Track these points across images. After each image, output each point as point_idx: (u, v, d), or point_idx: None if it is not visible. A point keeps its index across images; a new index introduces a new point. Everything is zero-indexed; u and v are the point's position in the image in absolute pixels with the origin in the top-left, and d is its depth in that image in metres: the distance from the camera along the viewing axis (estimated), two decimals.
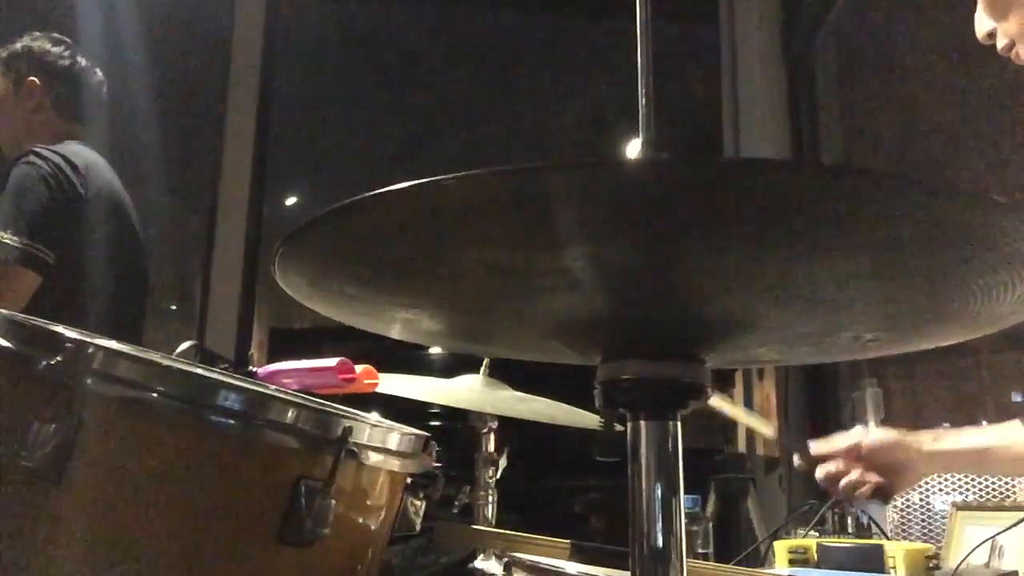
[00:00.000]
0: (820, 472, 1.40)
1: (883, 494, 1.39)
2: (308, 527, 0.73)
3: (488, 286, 0.60)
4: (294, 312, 3.74)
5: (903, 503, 1.99)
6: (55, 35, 2.18)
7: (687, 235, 0.50)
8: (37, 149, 1.95)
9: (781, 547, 1.43)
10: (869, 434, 1.44)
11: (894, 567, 1.32)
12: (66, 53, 2.15)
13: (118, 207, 2.12)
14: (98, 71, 2.21)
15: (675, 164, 0.46)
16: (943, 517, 1.95)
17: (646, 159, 0.61)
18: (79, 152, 2.03)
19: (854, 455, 1.39)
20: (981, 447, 1.38)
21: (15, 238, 1.84)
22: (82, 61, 2.17)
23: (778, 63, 3.51)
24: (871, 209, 0.46)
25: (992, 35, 1.18)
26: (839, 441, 1.42)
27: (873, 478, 1.37)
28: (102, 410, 0.71)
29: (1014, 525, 1.42)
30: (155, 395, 0.71)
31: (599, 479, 3.41)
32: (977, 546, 1.45)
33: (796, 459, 1.48)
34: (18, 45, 2.14)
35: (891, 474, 1.38)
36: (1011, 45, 1.16)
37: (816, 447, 1.43)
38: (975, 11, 1.18)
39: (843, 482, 1.37)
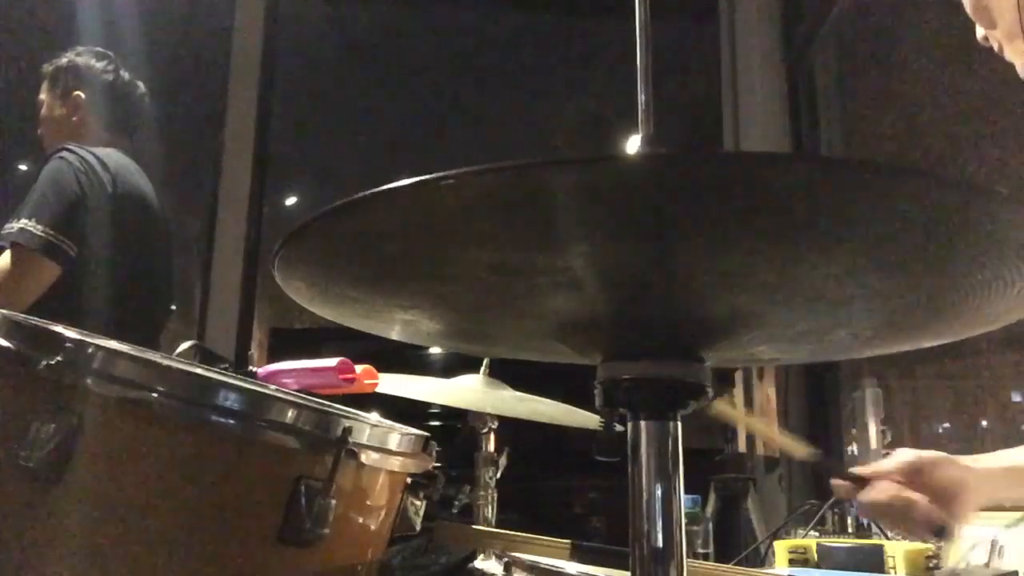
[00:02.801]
0: (864, 497, 1.18)
1: (944, 526, 1.16)
2: (308, 527, 0.73)
3: (488, 286, 0.60)
4: (294, 312, 3.74)
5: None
6: (98, 50, 2.23)
7: (687, 232, 0.50)
8: (70, 146, 1.99)
9: (781, 547, 1.43)
10: (909, 455, 1.20)
11: (894, 567, 1.32)
12: (110, 68, 2.20)
13: (147, 212, 2.14)
14: (140, 84, 2.25)
15: (674, 159, 0.46)
16: None
17: (645, 154, 0.61)
18: (111, 155, 2.06)
19: (904, 476, 1.17)
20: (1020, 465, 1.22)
21: (39, 227, 1.85)
22: (125, 75, 2.22)
23: (778, 63, 3.51)
24: (871, 202, 0.46)
25: (987, 39, 1.20)
26: (883, 464, 1.20)
27: (924, 500, 1.15)
28: (102, 410, 0.71)
29: (1013, 524, 1.42)
30: (155, 395, 0.71)
31: (599, 479, 3.41)
32: (974, 546, 1.45)
33: (835, 484, 1.23)
34: (64, 60, 2.20)
35: (947, 500, 1.16)
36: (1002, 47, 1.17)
37: (858, 471, 1.21)
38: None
39: (890, 502, 1.15)
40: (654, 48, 0.67)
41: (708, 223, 0.49)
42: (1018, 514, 1.49)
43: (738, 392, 3.27)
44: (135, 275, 2.06)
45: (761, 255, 0.52)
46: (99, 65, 2.18)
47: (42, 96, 2.19)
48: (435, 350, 2.71)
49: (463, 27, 4.25)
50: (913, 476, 1.17)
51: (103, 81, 2.17)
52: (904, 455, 1.20)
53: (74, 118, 2.14)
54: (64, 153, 1.96)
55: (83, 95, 2.15)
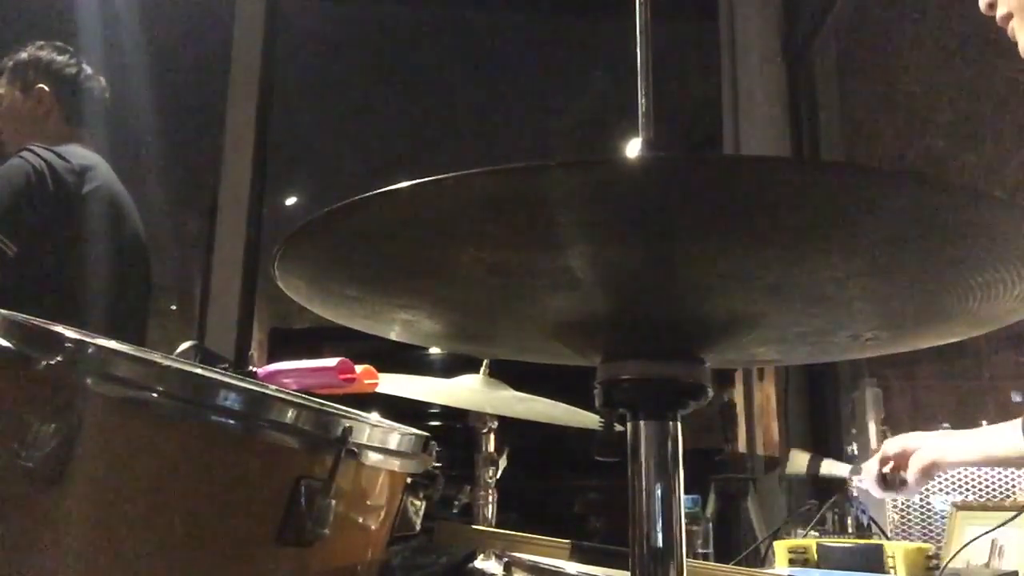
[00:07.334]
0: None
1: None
2: (308, 527, 0.73)
3: (488, 286, 0.60)
4: (294, 312, 3.74)
5: (903, 503, 1.99)
6: (59, 44, 2.21)
7: (687, 234, 0.50)
8: (31, 147, 1.97)
9: (781, 547, 1.43)
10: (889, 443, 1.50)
11: (894, 567, 1.32)
12: (71, 61, 2.18)
13: (118, 208, 2.13)
14: (101, 78, 2.23)
15: (674, 162, 0.46)
16: (943, 517, 1.94)
17: (645, 157, 0.61)
18: (77, 152, 2.04)
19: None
20: (980, 458, 1.44)
21: None
22: (87, 68, 2.20)
23: (778, 63, 3.51)
24: (870, 206, 0.46)
25: (993, 5, 1.16)
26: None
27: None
28: (102, 410, 0.71)
29: (1010, 520, 1.43)
30: (155, 395, 0.71)
31: (599, 479, 3.41)
32: (974, 539, 1.45)
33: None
34: (23, 54, 2.17)
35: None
36: (1009, 16, 1.14)
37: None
38: None
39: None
40: (654, 49, 0.68)
41: (708, 225, 0.49)
42: (1011, 513, 1.50)
43: (738, 392, 3.27)
44: (111, 273, 2.04)
45: (761, 257, 0.52)
46: (61, 59, 2.16)
47: (0, 91, 2.16)
48: (435, 350, 2.71)
49: (463, 27, 4.25)
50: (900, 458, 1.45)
51: (66, 74, 2.15)
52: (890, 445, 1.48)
53: (38, 112, 2.12)
54: (24, 153, 1.94)
55: (47, 88, 2.13)
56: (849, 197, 0.46)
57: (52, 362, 0.70)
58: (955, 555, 1.40)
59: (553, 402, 1.42)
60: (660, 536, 0.61)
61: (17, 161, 1.93)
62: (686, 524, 0.65)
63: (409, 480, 0.90)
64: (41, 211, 1.92)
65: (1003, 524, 1.44)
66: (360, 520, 0.82)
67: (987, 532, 1.47)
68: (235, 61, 3.54)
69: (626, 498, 0.62)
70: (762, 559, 1.72)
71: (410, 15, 4.16)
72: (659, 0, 0.70)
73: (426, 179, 0.45)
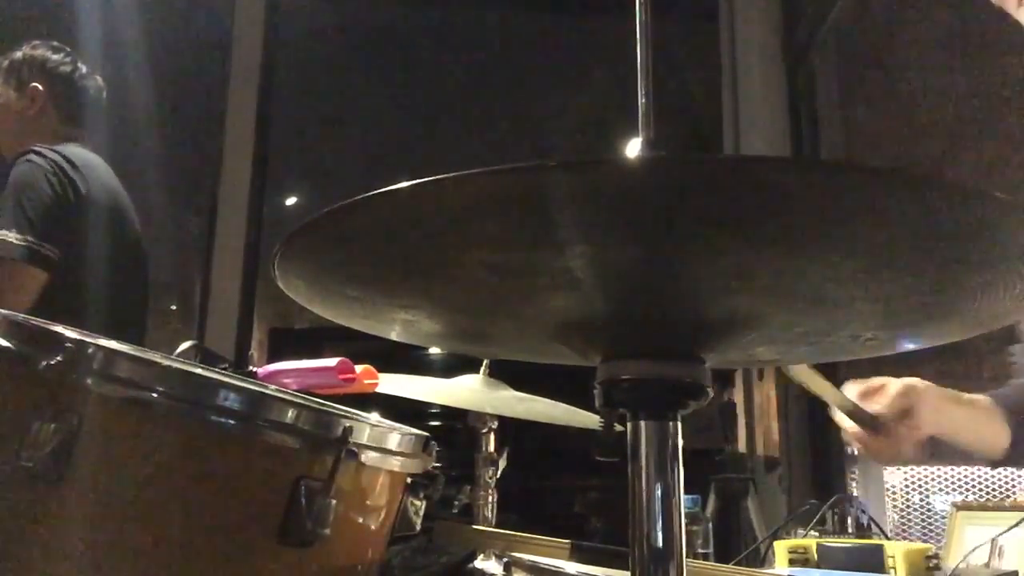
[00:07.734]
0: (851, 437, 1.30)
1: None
2: (308, 527, 0.73)
3: (488, 286, 0.60)
4: (294, 312, 3.75)
5: (903, 503, 1.99)
6: (54, 43, 2.21)
7: (687, 234, 0.50)
8: (36, 148, 1.97)
9: (781, 547, 1.43)
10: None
11: (894, 567, 1.32)
12: (67, 59, 2.18)
13: (117, 207, 2.13)
14: (98, 77, 2.23)
15: (674, 162, 0.46)
16: (943, 517, 1.95)
17: (645, 157, 0.61)
18: (77, 152, 2.04)
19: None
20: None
21: (20, 236, 1.84)
22: (82, 67, 2.20)
23: (778, 63, 3.52)
24: (870, 206, 0.46)
25: None
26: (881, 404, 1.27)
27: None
28: (102, 410, 0.71)
29: (1018, 523, 1.42)
30: (155, 395, 0.71)
31: (599, 479, 3.41)
32: (980, 545, 1.45)
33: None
34: (18, 54, 2.16)
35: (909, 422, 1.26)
36: None
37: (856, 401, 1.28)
38: None
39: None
40: (654, 48, 0.68)
41: (708, 225, 0.49)
42: (1019, 514, 1.50)
43: (738, 392, 3.27)
44: (111, 273, 2.04)
45: (761, 257, 0.52)
46: (56, 57, 2.16)
47: None
48: (435, 350, 2.71)
49: (463, 27, 4.25)
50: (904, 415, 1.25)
51: (61, 73, 2.15)
52: (899, 399, 1.25)
53: (32, 111, 2.12)
54: (31, 156, 1.94)
55: (41, 87, 2.12)
56: (849, 197, 0.46)
57: (52, 362, 0.70)
58: (964, 559, 1.39)
59: (553, 402, 1.42)
60: (660, 536, 0.61)
61: (27, 167, 1.93)
62: (686, 524, 0.65)
63: (409, 480, 0.90)
64: (65, 212, 1.93)
65: (1014, 526, 1.43)
66: (360, 520, 0.82)
67: (999, 535, 1.46)
68: (235, 60, 3.54)
69: (626, 498, 0.62)
70: (762, 559, 1.72)
71: (410, 15, 4.16)
72: (659, 0, 0.71)
73: (426, 179, 0.45)
